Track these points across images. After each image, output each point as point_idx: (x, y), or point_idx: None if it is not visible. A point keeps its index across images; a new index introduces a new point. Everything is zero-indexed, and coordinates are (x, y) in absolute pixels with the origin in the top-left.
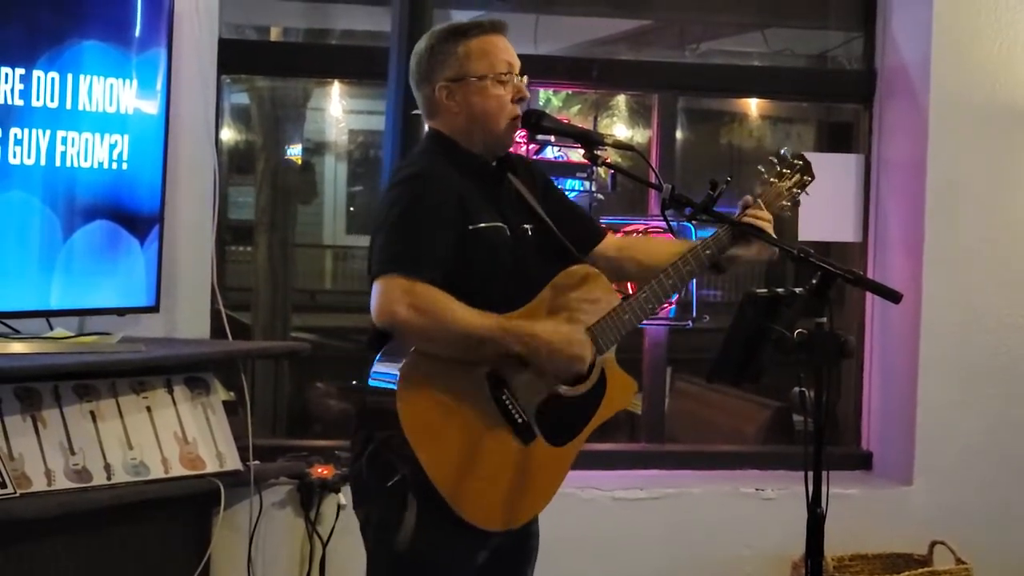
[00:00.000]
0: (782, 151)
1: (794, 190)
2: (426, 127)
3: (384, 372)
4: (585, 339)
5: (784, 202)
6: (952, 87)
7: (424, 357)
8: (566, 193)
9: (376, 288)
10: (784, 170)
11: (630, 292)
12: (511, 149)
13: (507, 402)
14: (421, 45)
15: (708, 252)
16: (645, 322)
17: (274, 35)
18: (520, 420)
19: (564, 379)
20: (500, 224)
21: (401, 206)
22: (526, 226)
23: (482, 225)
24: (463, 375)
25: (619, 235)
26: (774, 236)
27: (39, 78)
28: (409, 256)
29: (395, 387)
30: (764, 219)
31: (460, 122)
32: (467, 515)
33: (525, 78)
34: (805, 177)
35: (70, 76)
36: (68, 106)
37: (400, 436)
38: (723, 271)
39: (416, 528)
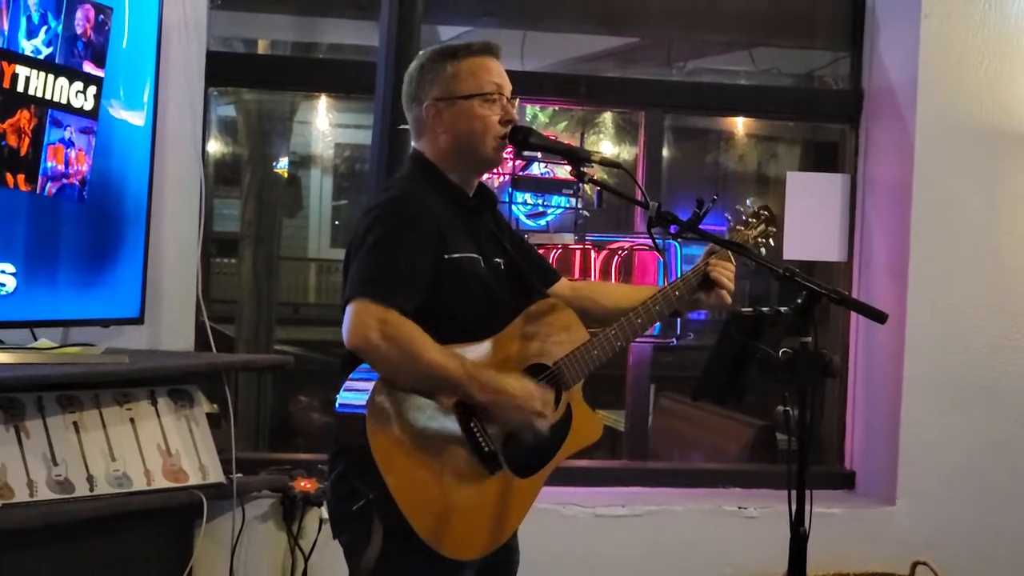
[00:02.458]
0: (748, 202)
1: (759, 239)
2: (411, 150)
3: (353, 397)
4: (549, 399)
5: None
6: (938, 108)
7: (392, 382)
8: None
9: (350, 310)
10: (750, 219)
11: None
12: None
13: (475, 430)
14: (413, 65)
15: (677, 293)
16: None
17: (262, 48)
18: (487, 449)
19: (522, 432)
20: (475, 255)
21: (380, 230)
22: (497, 260)
23: (457, 255)
24: (432, 402)
25: (574, 279)
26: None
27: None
28: (386, 282)
29: (364, 412)
30: (727, 268)
31: (446, 143)
32: (440, 546)
33: (517, 101)
34: (769, 228)
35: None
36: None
37: (368, 462)
38: (680, 315)
39: (381, 554)
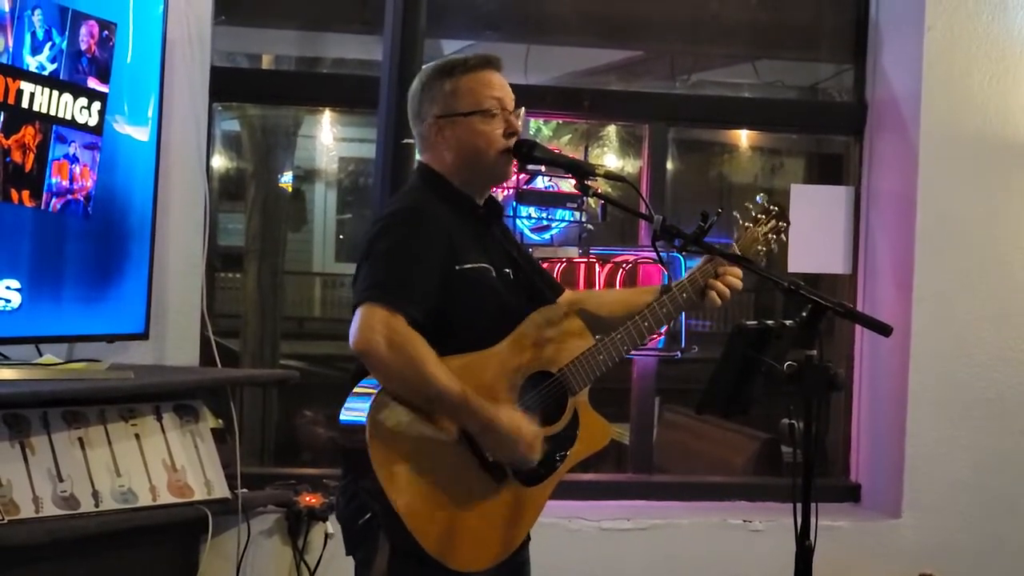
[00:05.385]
0: (758, 198)
1: (770, 236)
2: (416, 161)
3: (355, 409)
4: (537, 440)
5: (760, 247)
6: (942, 120)
7: (394, 395)
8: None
9: (358, 314)
10: (759, 216)
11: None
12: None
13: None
14: (415, 82)
15: (685, 295)
16: (635, 352)
17: (266, 63)
18: (491, 459)
19: (509, 464)
20: (487, 265)
21: (390, 239)
22: (507, 270)
23: (468, 265)
24: (434, 414)
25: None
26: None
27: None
28: (393, 288)
29: (364, 423)
30: (735, 273)
31: (451, 158)
32: (446, 560)
33: (522, 111)
34: (780, 223)
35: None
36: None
37: (372, 476)
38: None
39: (389, 569)
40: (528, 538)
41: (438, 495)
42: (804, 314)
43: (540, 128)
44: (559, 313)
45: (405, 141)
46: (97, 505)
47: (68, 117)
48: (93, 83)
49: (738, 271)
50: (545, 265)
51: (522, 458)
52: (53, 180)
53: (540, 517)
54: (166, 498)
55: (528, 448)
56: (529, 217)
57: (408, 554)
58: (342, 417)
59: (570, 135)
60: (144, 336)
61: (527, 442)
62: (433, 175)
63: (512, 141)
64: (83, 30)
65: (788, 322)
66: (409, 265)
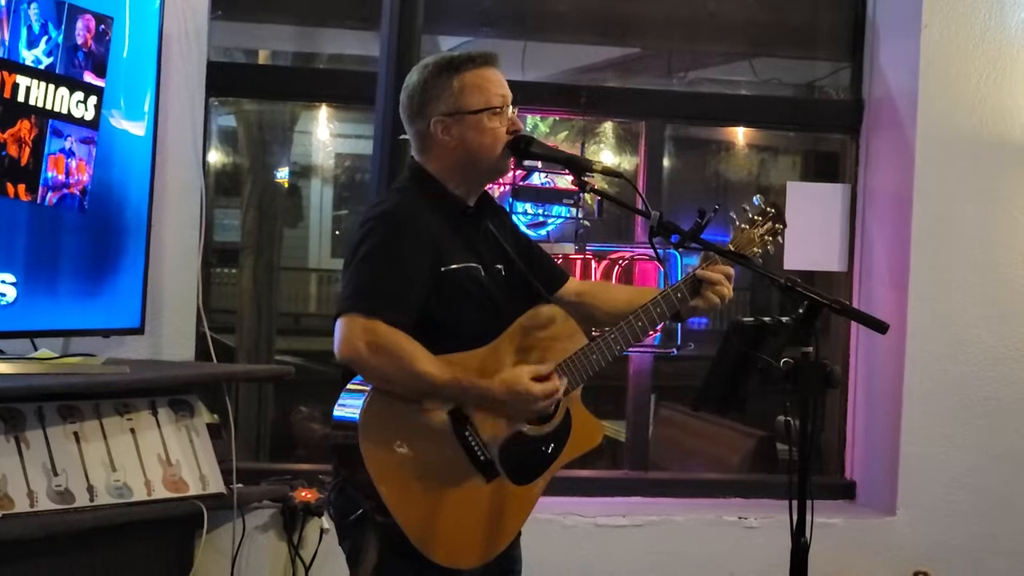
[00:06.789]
0: (755, 199)
1: (766, 237)
2: (409, 159)
3: (348, 407)
4: (533, 386)
5: (755, 248)
6: (939, 118)
7: (386, 393)
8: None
9: (339, 324)
10: (756, 217)
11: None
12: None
13: (470, 439)
14: (413, 79)
15: (679, 295)
16: (631, 349)
17: (262, 58)
18: (483, 457)
19: (528, 419)
20: (475, 264)
21: (371, 244)
22: (499, 267)
23: (454, 266)
24: (425, 412)
25: (580, 280)
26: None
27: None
28: (373, 295)
29: (356, 420)
30: (723, 269)
31: (455, 157)
32: (435, 556)
33: (515, 109)
34: (777, 224)
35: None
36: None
37: (364, 472)
38: (681, 319)
39: (378, 564)
40: (519, 534)
41: (428, 492)
42: (801, 311)
43: (537, 124)
44: (551, 311)
45: (402, 137)
46: (92, 500)
47: (64, 111)
48: (89, 77)
49: (728, 268)
50: None
51: (537, 410)
52: (49, 174)
53: (535, 513)
54: (161, 493)
55: (534, 400)
56: (525, 213)
57: (397, 550)
58: (335, 413)
59: (567, 132)
60: (140, 331)
61: (531, 395)
62: (425, 176)
63: (513, 137)
64: (79, 24)
65: (784, 319)
66: (388, 270)
